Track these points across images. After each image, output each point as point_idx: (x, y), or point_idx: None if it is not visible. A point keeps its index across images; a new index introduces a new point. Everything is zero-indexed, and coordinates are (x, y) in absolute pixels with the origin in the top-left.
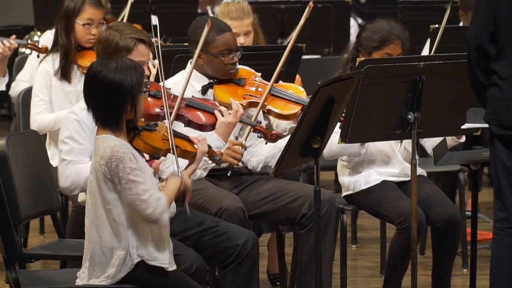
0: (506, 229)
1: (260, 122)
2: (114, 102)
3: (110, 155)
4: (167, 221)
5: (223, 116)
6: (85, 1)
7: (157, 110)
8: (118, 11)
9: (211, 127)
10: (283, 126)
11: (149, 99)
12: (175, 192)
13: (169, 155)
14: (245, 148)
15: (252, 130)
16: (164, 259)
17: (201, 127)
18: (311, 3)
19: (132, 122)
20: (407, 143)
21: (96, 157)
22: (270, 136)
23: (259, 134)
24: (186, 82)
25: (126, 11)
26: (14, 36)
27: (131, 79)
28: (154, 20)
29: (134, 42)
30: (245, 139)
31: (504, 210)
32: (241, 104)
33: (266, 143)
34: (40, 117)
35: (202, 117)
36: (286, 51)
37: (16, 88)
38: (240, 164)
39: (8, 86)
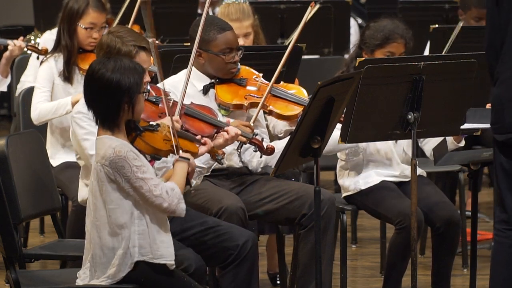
0: (505, 231)
1: (257, 135)
2: (111, 101)
3: (113, 156)
4: (184, 210)
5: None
6: (89, 4)
7: (157, 117)
8: (118, 11)
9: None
10: (280, 128)
11: (148, 104)
12: (185, 177)
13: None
14: (252, 129)
15: (248, 142)
16: (170, 256)
17: None
18: (312, 3)
19: (134, 122)
20: (406, 145)
21: (97, 158)
22: (265, 149)
23: (254, 148)
24: (184, 91)
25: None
26: (22, 38)
27: (129, 79)
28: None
29: (136, 49)
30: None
31: (504, 212)
32: (243, 105)
33: (261, 156)
34: (41, 105)
35: (199, 128)
36: (287, 52)
37: (22, 90)
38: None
39: (9, 86)
